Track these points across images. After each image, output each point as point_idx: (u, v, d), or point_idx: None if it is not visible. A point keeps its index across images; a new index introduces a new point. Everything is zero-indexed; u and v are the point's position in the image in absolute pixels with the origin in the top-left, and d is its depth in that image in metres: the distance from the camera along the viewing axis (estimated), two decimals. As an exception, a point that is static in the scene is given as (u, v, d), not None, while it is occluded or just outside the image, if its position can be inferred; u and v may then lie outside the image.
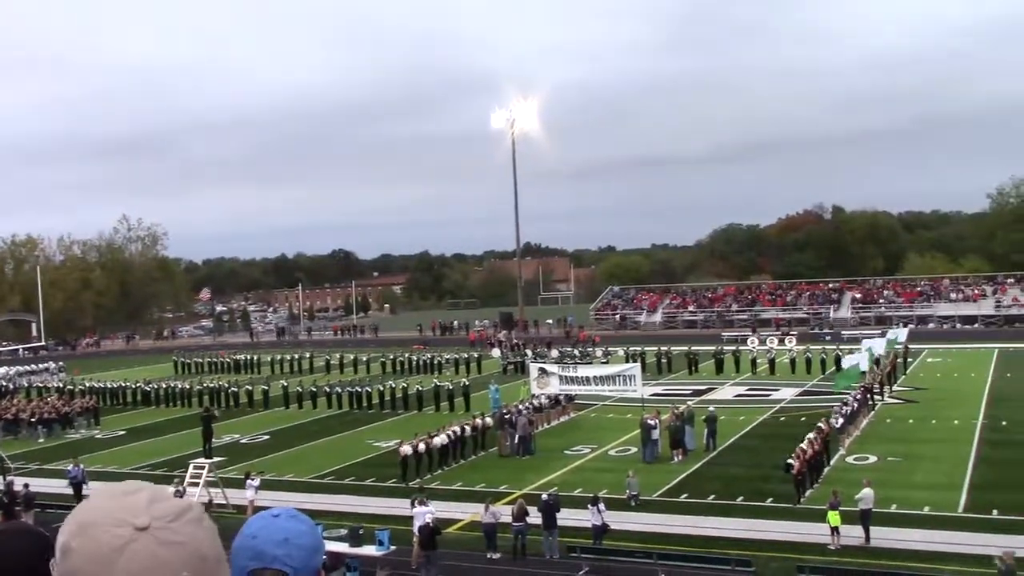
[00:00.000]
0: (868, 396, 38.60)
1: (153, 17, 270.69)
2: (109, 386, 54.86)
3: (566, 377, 41.29)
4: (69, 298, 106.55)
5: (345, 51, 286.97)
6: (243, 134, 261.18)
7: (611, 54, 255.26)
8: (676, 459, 31.94)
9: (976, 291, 79.73)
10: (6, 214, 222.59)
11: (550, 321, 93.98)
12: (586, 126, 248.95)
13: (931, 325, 75.33)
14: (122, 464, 35.79)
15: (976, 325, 74.23)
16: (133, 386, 53.90)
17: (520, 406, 37.31)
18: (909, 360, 52.29)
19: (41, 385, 60.27)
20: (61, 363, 70.98)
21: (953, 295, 79.87)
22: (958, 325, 75.00)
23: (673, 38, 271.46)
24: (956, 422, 36.74)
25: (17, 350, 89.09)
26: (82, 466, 30.66)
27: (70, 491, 29.33)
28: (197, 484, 27.73)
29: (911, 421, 37.56)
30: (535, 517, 23.19)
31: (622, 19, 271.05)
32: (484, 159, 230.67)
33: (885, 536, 22.69)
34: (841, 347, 53.86)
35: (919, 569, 20.15)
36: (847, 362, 43.23)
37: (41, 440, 42.63)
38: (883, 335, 52.00)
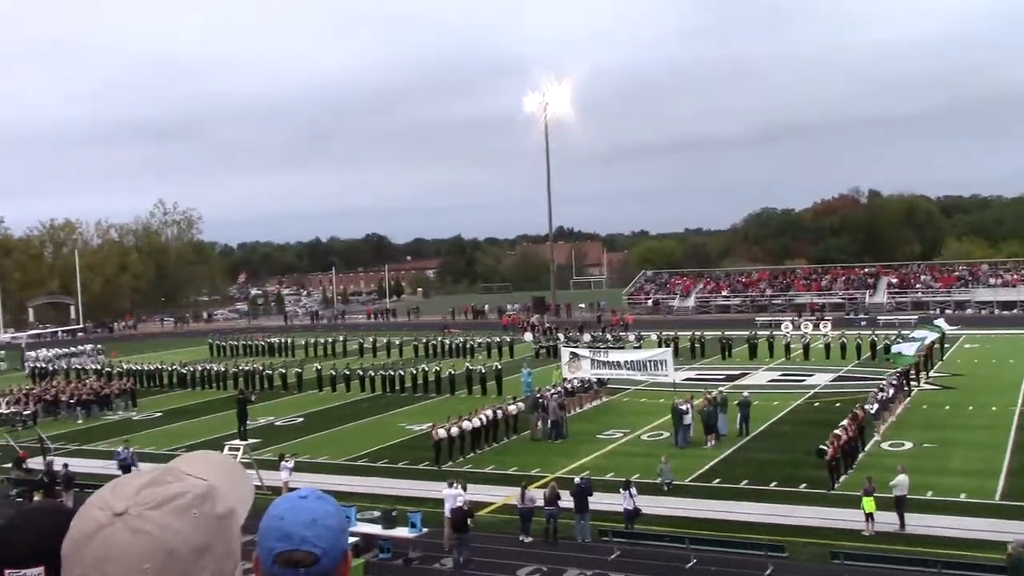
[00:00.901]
0: (904, 382, 38.22)
1: (189, 4, 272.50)
2: (146, 368, 55.50)
3: (598, 361, 41.31)
4: (107, 281, 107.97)
5: (380, 36, 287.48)
6: (278, 120, 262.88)
7: (643, 38, 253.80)
8: (709, 444, 31.83)
9: (1015, 276, 78.62)
10: (45, 198, 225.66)
11: (582, 305, 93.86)
12: (619, 110, 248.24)
13: (969, 311, 74.43)
14: (158, 446, 36.21)
15: (1015, 311, 73.24)
16: (169, 368, 54.49)
17: (552, 390, 37.30)
18: (946, 346, 51.67)
19: (80, 367, 61.12)
20: (99, 345, 71.91)
21: (992, 280, 78.81)
22: (996, 311, 74.05)
23: (705, 22, 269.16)
24: (993, 408, 36.30)
25: (56, 332, 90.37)
26: (132, 448, 30.93)
27: (118, 473, 29.75)
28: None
29: (947, 407, 37.16)
30: (567, 501, 23.22)
31: (652, 4, 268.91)
32: (517, 143, 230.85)
33: (920, 523, 22.49)
34: (877, 332, 53.37)
35: (955, 556, 19.94)
36: (906, 348, 42.09)
37: (80, 421, 43.25)
38: (927, 321, 51.11)
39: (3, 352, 71.36)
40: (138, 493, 1.44)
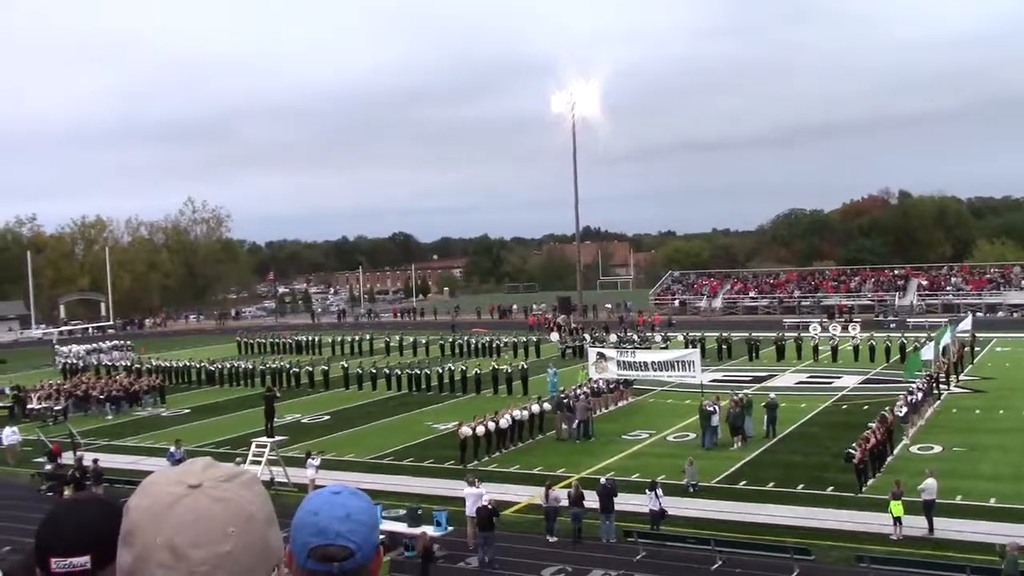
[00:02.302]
0: (934, 385, 37.88)
1: (218, 6, 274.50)
2: (175, 365, 55.99)
3: (624, 362, 41.21)
4: (136, 279, 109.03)
5: (406, 36, 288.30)
6: (306, 119, 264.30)
7: (670, 37, 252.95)
8: (736, 446, 31.69)
9: (1048, 279, 77.65)
10: (77, 197, 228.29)
11: (609, 306, 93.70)
12: (646, 109, 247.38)
13: (1000, 313, 73.62)
14: (187, 442, 36.44)
15: (1047, 314, 72.34)
16: (198, 365, 54.95)
17: (578, 390, 37.26)
18: (977, 349, 51.15)
19: (110, 363, 61.74)
20: (128, 342, 72.56)
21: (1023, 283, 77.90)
22: (1029, 313, 73.14)
23: (731, 21, 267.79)
24: (1025, 413, 35.90)
25: (87, 329, 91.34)
26: (183, 448, 31.08)
27: (150, 468, 30.02)
28: (259, 462, 28.21)
29: (978, 411, 36.78)
30: (592, 501, 23.21)
31: (680, 4, 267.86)
32: (544, 142, 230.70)
33: (949, 527, 22.28)
34: (907, 335, 52.92)
35: (984, 561, 19.74)
36: (924, 352, 41.91)
37: (109, 417, 43.70)
38: (949, 323, 50.83)
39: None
40: (204, 471, 1.58)
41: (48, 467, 30.63)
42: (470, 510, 22.54)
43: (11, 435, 35.66)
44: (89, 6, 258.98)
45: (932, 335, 45.83)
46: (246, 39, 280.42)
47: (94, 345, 70.91)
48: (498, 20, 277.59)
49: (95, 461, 29.49)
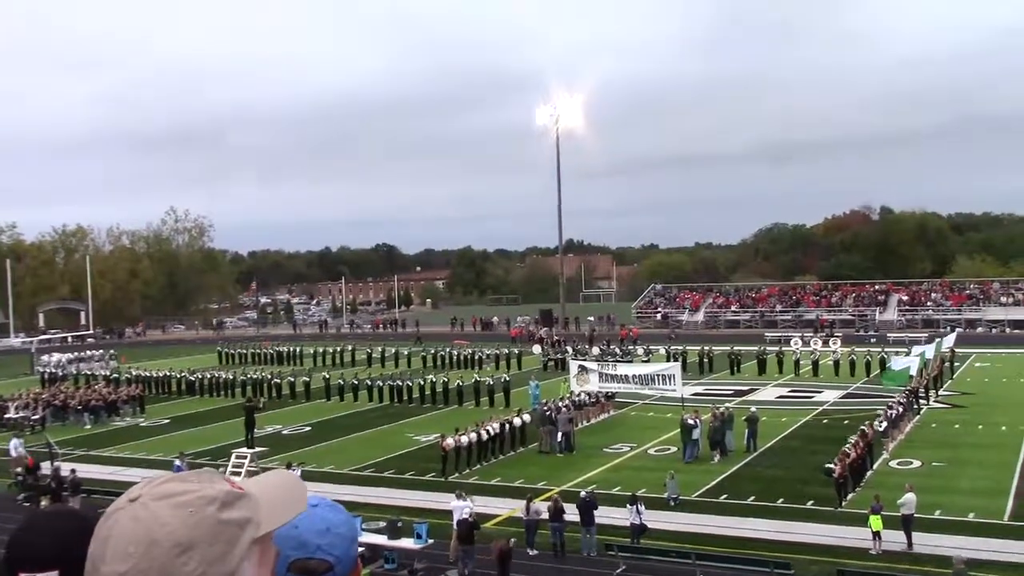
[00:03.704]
0: (913, 400, 38.08)
1: (202, 14, 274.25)
2: (154, 375, 55.65)
3: (606, 375, 41.26)
4: (117, 288, 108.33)
5: (390, 49, 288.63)
6: (290, 129, 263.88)
7: (654, 52, 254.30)
8: (714, 460, 31.75)
9: (1026, 295, 78.25)
10: (58, 204, 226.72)
11: (591, 318, 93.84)
12: (629, 123, 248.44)
13: (980, 329, 74.17)
14: (166, 452, 36.25)
15: (1026, 330, 72.88)
16: (178, 375, 54.62)
17: (560, 403, 37.28)
18: (956, 364, 51.48)
19: (89, 372, 61.29)
20: (112, 351, 72.02)
21: (1003, 299, 78.50)
22: (1008, 329, 73.76)
23: (715, 37, 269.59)
24: (1003, 428, 36.11)
25: (66, 338, 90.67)
26: (187, 460, 30.92)
27: (117, 478, 29.82)
28: (239, 473, 28.08)
29: (957, 426, 36.99)
30: (572, 514, 23.19)
31: (665, 18, 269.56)
32: (528, 155, 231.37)
33: (928, 542, 22.38)
34: (887, 349, 53.23)
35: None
36: (897, 363, 42.40)
37: (88, 427, 43.37)
38: (930, 340, 51.19)
39: None
40: (157, 486, 1.50)
41: (19, 477, 30.34)
42: (456, 523, 22.47)
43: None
44: (71, 14, 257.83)
45: (904, 350, 46.21)
46: (231, 49, 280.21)
47: (77, 354, 70.39)
48: (483, 33, 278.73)
49: (72, 471, 29.22)
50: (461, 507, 22.72)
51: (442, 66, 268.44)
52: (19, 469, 31.28)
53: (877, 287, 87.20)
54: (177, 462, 30.44)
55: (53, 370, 62.02)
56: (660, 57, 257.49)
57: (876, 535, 21.96)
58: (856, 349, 53.91)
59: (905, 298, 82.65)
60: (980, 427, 36.55)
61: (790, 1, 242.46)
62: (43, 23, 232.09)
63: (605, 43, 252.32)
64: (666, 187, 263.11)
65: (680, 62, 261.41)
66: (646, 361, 54.03)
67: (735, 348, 55.58)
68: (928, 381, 42.03)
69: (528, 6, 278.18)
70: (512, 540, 21.76)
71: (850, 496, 26.26)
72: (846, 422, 36.79)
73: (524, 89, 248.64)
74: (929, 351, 44.84)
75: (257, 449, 32.14)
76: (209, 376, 53.94)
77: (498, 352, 60.98)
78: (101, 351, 71.79)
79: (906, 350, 46.70)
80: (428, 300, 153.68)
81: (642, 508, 23.42)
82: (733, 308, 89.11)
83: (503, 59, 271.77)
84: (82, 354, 70.36)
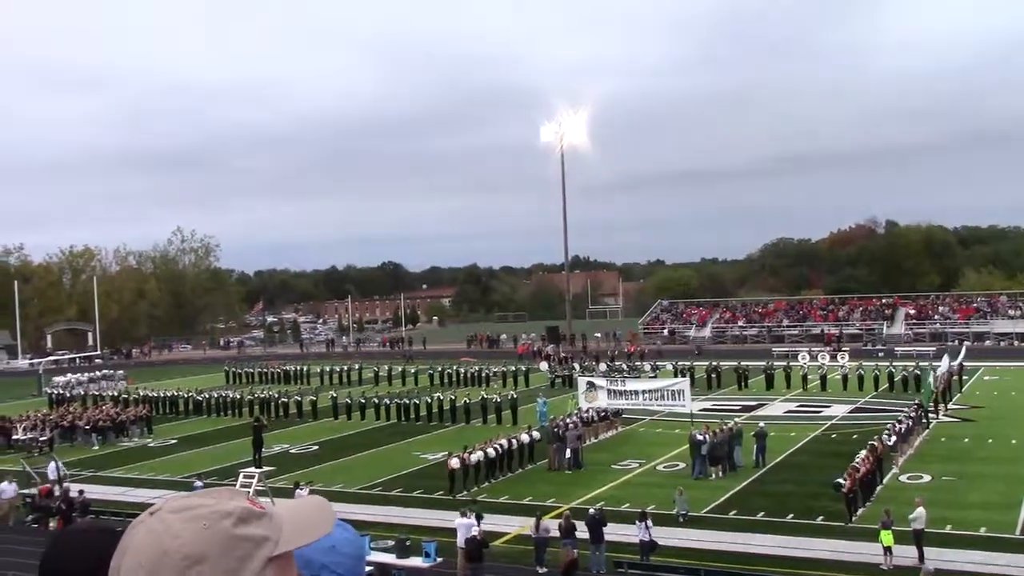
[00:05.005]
0: (922, 414, 37.94)
1: (204, 35, 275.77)
2: (162, 395, 55.67)
3: (614, 391, 41.18)
4: (124, 308, 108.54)
5: (395, 66, 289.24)
6: (295, 148, 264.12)
7: (660, 66, 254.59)
8: (714, 476, 31.62)
9: (1035, 308, 77.99)
10: (65, 226, 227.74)
11: (598, 335, 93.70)
12: (634, 139, 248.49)
13: (988, 342, 73.87)
14: (174, 472, 36.25)
15: (1034, 343, 72.61)
16: (185, 395, 54.63)
17: (568, 420, 37.21)
18: (965, 378, 51.29)
19: (97, 393, 61.35)
20: (121, 371, 72.12)
21: (1011, 312, 78.25)
22: (1016, 343, 73.47)
23: (718, 52, 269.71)
24: (1013, 441, 35.95)
25: (74, 359, 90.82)
26: (205, 481, 30.79)
27: (126, 499, 29.77)
28: (247, 493, 27.96)
29: (966, 440, 36.82)
30: (582, 532, 23.10)
31: (667, 34, 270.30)
32: (533, 172, 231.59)
33: (939, 557, 22.21)
34: (895, 364, 53.06)
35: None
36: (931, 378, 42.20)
37: (96, 447, 43.36)
38: (945, 353, 50.99)
39: None
40: (176, 500, 1.51)
41: (28, 500, 30.25)
42: (461, 541, 22.40)
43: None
44: (76, 34, 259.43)
45: (933, 364, 46.06)
46: (236, 68, 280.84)
47: (91, 375, 70.52)
48: (487, 50, 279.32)
49: (80, 492, 29.21)
50: (466, 525, 22.65)
51: (445, 84, 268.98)
52: (34, 491, 31.11)
53: (884, 301, 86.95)
54: (196, 481, 30.35)
55: (61, 391, 62.09)
56: (664, 73, 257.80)
57: (887, 550, 21.84)
58: (864, 363, 53.72)
59: (912, 312, 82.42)
60: (990, 441, 36.38)
61: (794, 15, 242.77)
62: (46, 43, 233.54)
63: (608, 60, 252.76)
64: (672, 203, 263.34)
65: (684, 78, 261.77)
66: (654, 377, 53.92)
67: (742, 363, 55.47)
68: (937, 395, 41.92)
69: (530, 24, 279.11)
70: (576, 551, 21.62)
71: (860, 511, 26.13)
72: (855, 437, 36.62)
73: (528, 106, 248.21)
74: (944, 365, 44.75)
75: (265, 468, 32.04)
76: (216, 396, 53.95)
77: (505, 369, 60.90)
78: (121, 371, 71.99)
79: (928, 363, 46.54)
80: (435, 318, 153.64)
81: (651, 524, 23.33)
82: (740, 323, 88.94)
83: (506, 77, 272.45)
84: (94, 374, 70.58)
